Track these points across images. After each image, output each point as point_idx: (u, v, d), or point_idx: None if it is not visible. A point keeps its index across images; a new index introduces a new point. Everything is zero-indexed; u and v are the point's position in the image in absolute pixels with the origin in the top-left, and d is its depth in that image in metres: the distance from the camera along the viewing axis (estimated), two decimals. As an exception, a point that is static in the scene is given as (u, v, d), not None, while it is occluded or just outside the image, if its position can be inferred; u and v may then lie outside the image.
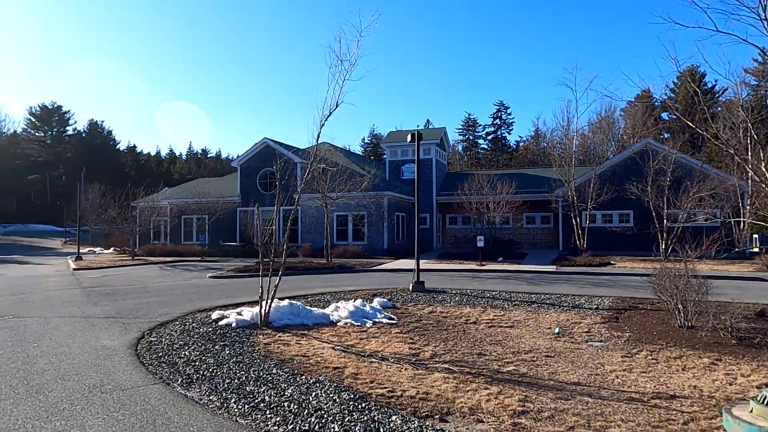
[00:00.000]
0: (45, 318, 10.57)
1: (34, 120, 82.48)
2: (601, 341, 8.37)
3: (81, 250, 30.89)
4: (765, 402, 4.03)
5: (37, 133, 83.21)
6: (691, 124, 8.82)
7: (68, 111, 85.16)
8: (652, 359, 7.18)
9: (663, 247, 22.97)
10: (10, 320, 10.31)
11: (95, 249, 39.05)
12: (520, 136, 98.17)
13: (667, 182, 23.94)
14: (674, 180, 24.01)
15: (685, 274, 9.28)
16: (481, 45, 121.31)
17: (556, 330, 9.12)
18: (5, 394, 5.71)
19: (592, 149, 55.03)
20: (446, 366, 6.88)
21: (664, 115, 54.07)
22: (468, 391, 5.79)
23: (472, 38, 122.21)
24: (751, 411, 4.14)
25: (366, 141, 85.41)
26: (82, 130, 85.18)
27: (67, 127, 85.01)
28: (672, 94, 57.42)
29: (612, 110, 55.44)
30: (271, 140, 31.68)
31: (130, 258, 29.30)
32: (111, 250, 37.22)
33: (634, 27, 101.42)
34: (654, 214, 24.06)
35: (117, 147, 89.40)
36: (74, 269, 23.43)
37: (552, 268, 20.96)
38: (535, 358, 7.29)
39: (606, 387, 5.99)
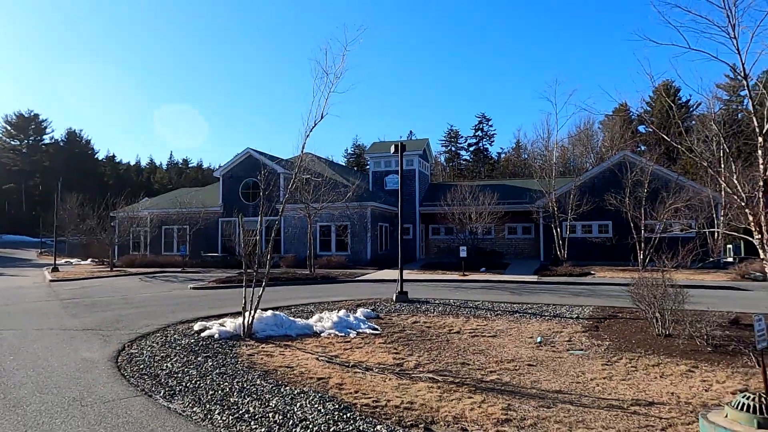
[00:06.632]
0: (22, 330, 10.33)
1: (9, 128, 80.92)
2: (581, 350, 8.51)
3: (57, 261, 30.28)
4: (739, 407, 4.16)
5: (12, 142, 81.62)
6: (666, 137, 9.12)
7: (46, 119, 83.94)
8: (632, 367, 7.34)
9: (641, 257, 23.42)
10: (-15, 333, 10.05)
11: (72, 260, 38.25)
12: (502, 148, 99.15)
13: (644, 193, 24.45)
14: (651, 191, 24.59)
15: (662, 284, 9.49)
16: (463, 58, 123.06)
17: (538, 339, 9.25)
18: (-19, 408, 5.58)
19: (572, 161, 56.01)
20: (430, 376, 6.92)
21: (641, 128, 55.43)
22: (452, 400, 5.84)
23: (453, 52, 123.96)
24: (726, 416, 4.26)
25: (349, 152, 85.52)
26: (59, 139, 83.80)
27: (44, 136, 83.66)
28: (648, 108, 58.80)
29: (591, 123, 56.53)
30: (255, 150, 31.57)
31: (109, 269, 28.78)
32: (89, 261, 36.58)
33: (612, 43, 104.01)
34: (632, 224, 24.50)
35: (96, 156, 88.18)
36: (51, 281, 22.91)
37: (534, 278, 21.20)
38: (517, 367, 7.38)
39: (587, 395, 6.10)
